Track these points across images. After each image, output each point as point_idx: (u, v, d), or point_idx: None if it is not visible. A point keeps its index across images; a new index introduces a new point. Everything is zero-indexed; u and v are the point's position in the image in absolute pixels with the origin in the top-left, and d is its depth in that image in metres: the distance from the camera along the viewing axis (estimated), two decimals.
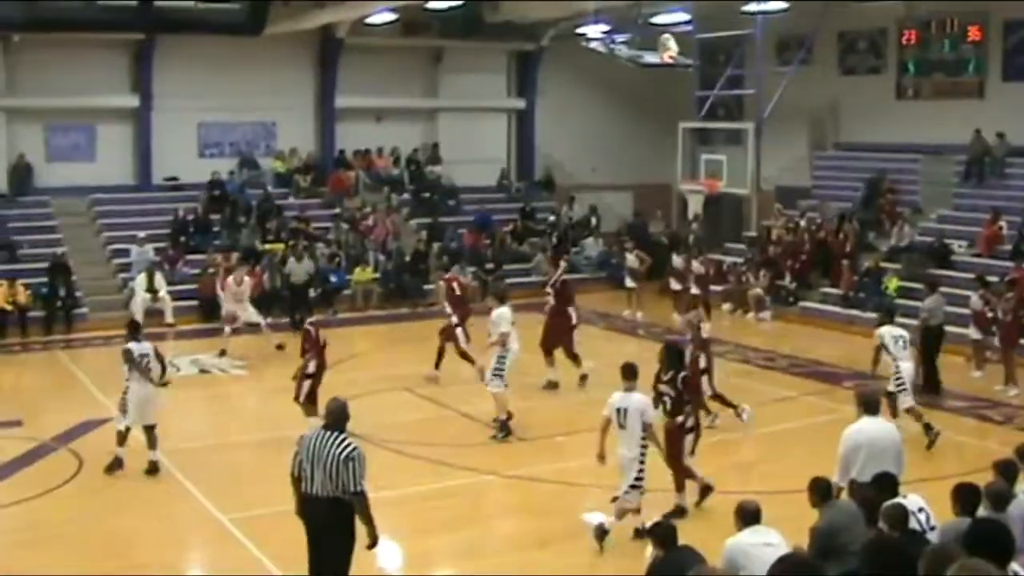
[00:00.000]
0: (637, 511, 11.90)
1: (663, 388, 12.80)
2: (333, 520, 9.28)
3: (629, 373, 12.00)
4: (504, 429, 16.11)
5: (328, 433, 9.31)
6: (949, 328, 21.75)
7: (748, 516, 8.48)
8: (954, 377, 19.71)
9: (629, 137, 34.58)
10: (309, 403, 15.70)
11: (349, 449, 9.14)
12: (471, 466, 14.79)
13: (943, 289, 20.79)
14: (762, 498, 8.78)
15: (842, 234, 26.46)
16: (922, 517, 8.48)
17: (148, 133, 29.38)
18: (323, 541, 9.39)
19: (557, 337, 19.55)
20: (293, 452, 9.62)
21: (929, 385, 18.85)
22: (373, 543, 9.43)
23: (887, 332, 16.26)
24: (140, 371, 14.46)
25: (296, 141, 31.61)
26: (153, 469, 14.54)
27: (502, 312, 16.78)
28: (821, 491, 8.92)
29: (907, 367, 16.20)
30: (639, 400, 11.88)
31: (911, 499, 8.66)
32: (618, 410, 11.74)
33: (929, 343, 19.11)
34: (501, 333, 16.48)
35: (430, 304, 27.03)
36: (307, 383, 15.84)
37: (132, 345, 14.68)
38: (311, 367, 15.95)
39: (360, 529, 9.45)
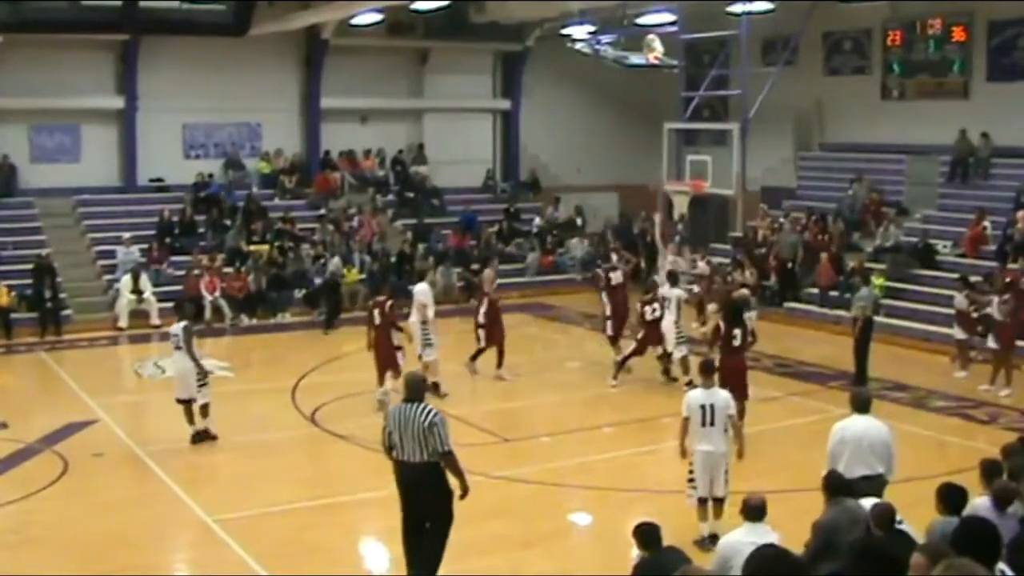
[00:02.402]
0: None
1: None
2: (426, 481, 10.21)
3: (710, 370, 12.29)
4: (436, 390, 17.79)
5: (410, 404, 10.23)
6: (935, 328, 21.99)
7: (750, 512, 8.43)
8: (939, 377, 19.78)
9: (614, 138, 34.62)
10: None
11: (431, 415, 10.09)
12: None
13: (926, 289, 20.90)
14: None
15: (826, 235, 26.47)
16: None
17: (133, 134, 29.28)
18: (421, 499, 10.31)
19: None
20: (384, 427, 10.33)
21: (861, 376, 18.99)
22: (465, 493, 10.32)
23: (673, 292, 19.48)
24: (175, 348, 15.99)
25: (281, 142, 31.54)
26: (195, 439, 15.83)
27: (422, 288, 18.93)
28: (832, 487, 8.88)
29: (664, 321, 18.95)
30: (725, 395, 12.03)
31: (873, 501, 8.70)
32: (703, 406, 11.72)
33: (865, 334, 19.35)
34: (422, 305, 18.45)
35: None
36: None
37: (172, 326, 16.23)
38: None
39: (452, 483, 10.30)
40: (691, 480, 11.84)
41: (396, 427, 10.19)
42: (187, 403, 15.85)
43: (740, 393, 15.25)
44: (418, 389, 10.42)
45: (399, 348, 17.69)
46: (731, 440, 11.89)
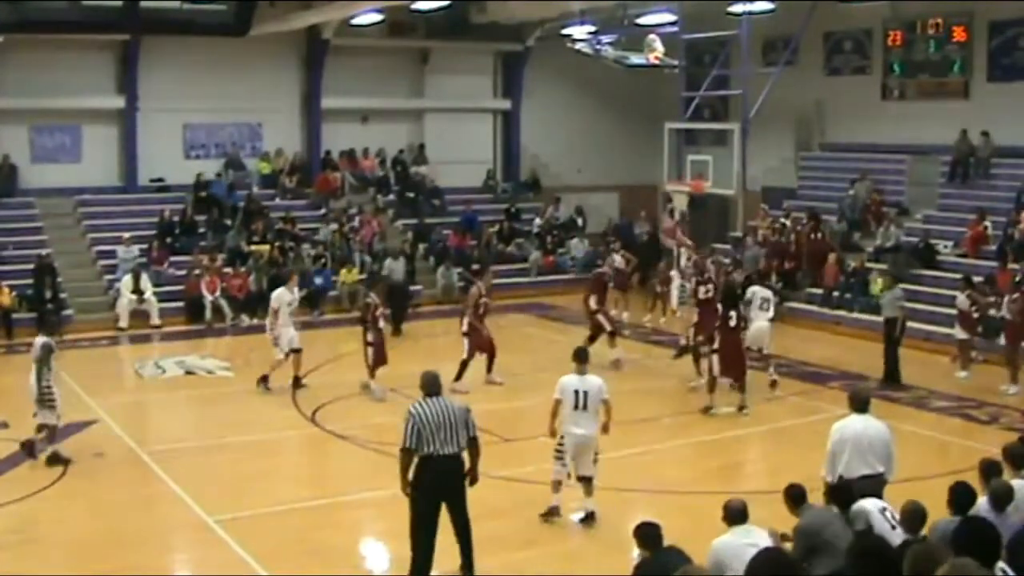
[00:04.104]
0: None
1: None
2: (458, 471, 10.65)
3: (583, 357, 12.63)
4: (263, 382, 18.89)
5: (436, 399, 10.66)
6: (936, 328, 21.98)
7: (733, 515, 8.46)
8: (939, 377, 19.76)
9: (615, 138, 34.64)
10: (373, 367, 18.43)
11: (463, 404, 10.86)
12: None
13: (927, 289, 20.80)
14: (748, 498, 8.77)
15: (819, 234, 26.43)
16: (887, 515, 8.47)
17: (133, 134, 29.27)
18: (451, 491, 10.62)
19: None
20: (409, 425, 10.43)
21: (893, 378, 19.04)
22: (475, 480, 10.83)
23: (757, 291, 19.20)
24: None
25: (282, 142, 31.54)
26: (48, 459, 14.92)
27: (276, 293, 19.35)
28: (795, 497, 8.88)
29: (761, 325, 18.83)
30: (597, 381, 12.47)
31: (871, 501, 8.66)
32: (576, 391, 12.19)
33: (900, 335, 19.43)
34: (274, 311, 18.97)
35: (415, 305, 26.96)
36: (370, 350, 18.44)
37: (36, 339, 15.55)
38: (370, 336, 18.48)
39: None
40: (559, 457, 12.43)
41: (427, 422, 10.41)
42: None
43: (738, 370, 17.42)
44: (438, 384, 10.81)
45: (369, 344, 18.49)
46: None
